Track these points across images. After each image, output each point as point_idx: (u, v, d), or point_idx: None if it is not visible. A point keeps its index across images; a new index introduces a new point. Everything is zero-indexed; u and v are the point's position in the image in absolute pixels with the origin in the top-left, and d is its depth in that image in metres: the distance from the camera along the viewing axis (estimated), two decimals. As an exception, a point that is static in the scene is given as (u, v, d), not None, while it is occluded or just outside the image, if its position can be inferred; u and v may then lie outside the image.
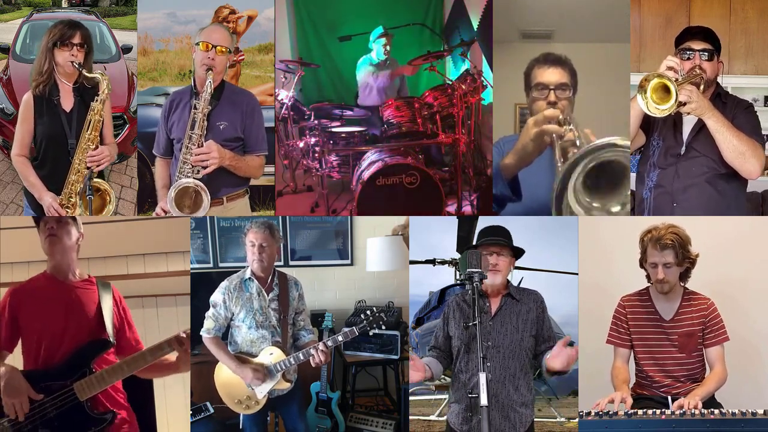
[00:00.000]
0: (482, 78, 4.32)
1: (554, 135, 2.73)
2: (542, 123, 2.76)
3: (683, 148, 3.14)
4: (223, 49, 3.04)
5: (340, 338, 3.04)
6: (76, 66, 3.07)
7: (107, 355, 2.63)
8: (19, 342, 2.61)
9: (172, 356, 2.64)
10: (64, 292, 2.62)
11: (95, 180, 3.15)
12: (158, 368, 2.66)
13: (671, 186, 3.15)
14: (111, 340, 2.61)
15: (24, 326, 2.58)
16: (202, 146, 3.00)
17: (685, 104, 2.86)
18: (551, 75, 2.88)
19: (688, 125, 3.16)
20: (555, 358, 2.44)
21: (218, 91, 3.09)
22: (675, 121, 3.18)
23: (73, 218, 2.69)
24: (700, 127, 3.07)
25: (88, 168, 3.09)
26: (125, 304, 2.75)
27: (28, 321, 2.57)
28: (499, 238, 2.60)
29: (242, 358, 3.12)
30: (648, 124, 3.21)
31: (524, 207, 2.94)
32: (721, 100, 3.13)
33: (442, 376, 4.05)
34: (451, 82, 4.48)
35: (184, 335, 2.61)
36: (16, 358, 2.62)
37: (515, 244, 2.64)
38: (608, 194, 2.72)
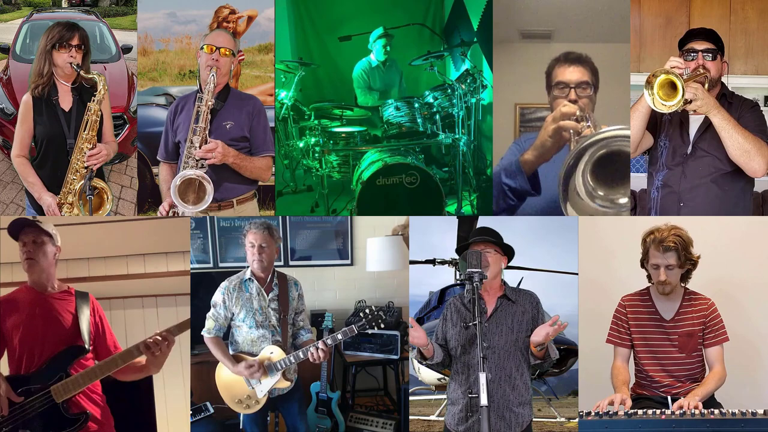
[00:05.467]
0: (482, 78, 4.32)
1: (571, 131, 2.77)
2: (560, 119, 2.80)
3: (690, 148, 3.14)
4: (227, 52, 3.13)
5: (339, 336, 3.04)
6: (75, 67, 3.08)
7: (84, 360, 2.72)
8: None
9: (143, 359, 2.73)
10: (42, 304, 2.72)
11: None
12: (131, 370, 2.76)
13: (678, 186, 3.16)
14: (86, 346, 2.72)
15: (7, 335, 2.68)
16: (206, 140, 3.06)
17: (691, 102, 2.87)
18: (572, 73, 2.93)
19: (694, 125, 3.16)
20: (535, 334, 2.47)
21: (224, 93, 3.19)
22: (681, 120, 3.19)
23: (50, 235, 2.76)
24: (707, 126, 3.07)
25: (86, 167, 3.10)
26: (102, 313, 2.86)
27: (10, 330, 2.68)
28: (485, 236, 2.61)
29: (239, 357, 3.13)
30: (655, 125, 3.22)
31: (545, 200, 2.97)
32: (727, 99, 3.14)
33: (442, 377, 4.07)
34: (451, 82, 4.48)
35: (151, 341, 2.67)
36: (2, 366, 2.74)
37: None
38: (613, 185, 2.75)
